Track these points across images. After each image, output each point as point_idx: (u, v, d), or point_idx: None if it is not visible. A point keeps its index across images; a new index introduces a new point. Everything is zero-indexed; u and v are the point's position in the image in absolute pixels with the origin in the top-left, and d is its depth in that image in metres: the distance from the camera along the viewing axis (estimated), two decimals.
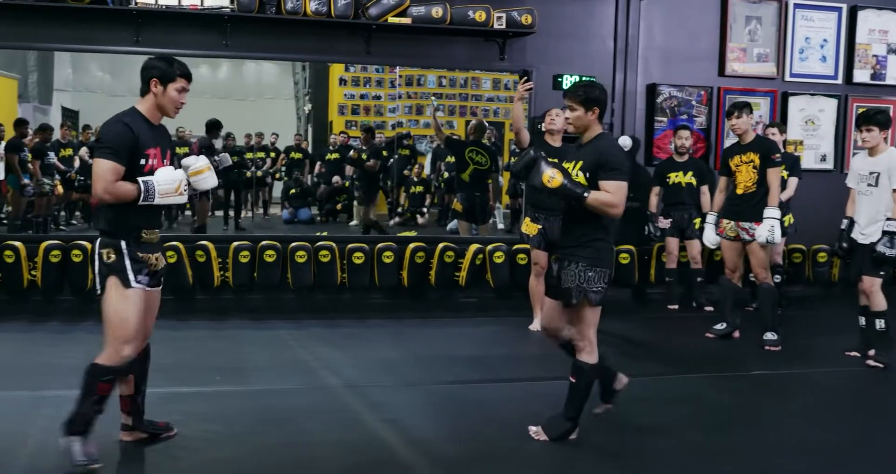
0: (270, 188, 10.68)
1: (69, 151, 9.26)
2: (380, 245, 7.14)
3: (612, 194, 3.70)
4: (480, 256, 7.27)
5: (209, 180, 3.67)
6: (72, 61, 10.53)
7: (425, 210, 10.25)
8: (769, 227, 5.79)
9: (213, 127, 8.76)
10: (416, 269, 7.17)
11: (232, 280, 6.89)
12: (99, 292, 3.50)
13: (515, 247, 7.34)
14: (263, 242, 6.91)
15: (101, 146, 3.40)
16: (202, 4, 6.77)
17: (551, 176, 3.69)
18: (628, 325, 6.75)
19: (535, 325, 6.37)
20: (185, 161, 3.67)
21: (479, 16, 7.21)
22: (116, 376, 3.48)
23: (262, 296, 7.09)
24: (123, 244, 3.44)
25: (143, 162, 3.44)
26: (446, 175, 10.02)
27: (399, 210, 10.25)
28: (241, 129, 10.22)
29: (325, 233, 7.58)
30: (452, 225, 9.30)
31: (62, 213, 9.42)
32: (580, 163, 3.81)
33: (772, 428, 4.29)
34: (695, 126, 8.05)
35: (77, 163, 9.40)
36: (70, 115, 10.45)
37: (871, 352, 5.58)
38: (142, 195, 3.39)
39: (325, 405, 4.42)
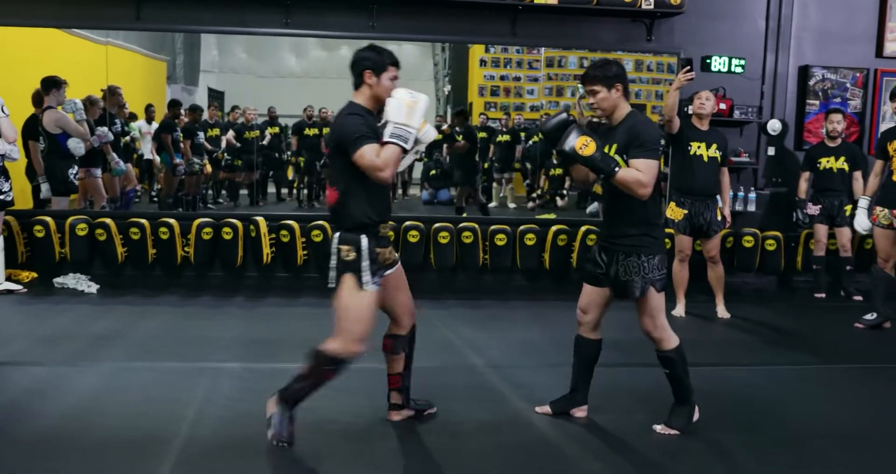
0: (410, 169, 10.96)
1: (216, 131, 9.74)
2: (522, 227, 7.26)
3: (642, 172, 3.53)
4: (563, 236, 7.25)
5: (430, 132, 3.59)
6: (218, 43, 11.01)
7: (565, 192, 10.29)
8: None
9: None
10: (557, 252, 7.24)
11: None
12: (332, 285, 3.51)
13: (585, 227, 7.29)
14: (407, 223, 7.13)
15: (356, 137, 3.35)
16: None
17: (584, 143, 3.50)
18: (773, 313, 6.64)
19: (679, 311, 6.36)
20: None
21: None
22: (340, 368, 3.53)
23: (407, 276, 7.32)
24: (364, 242, 3.46)
25: None
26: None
27: (538, 192, 10.32)
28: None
29: (464, 214, 7.77)
30: (592, 207, 9.32)
31: (209, 192, 9.94)
32: (614, 145, 3.62)
33: None
34: (848, 110, 7.77)
35: (224, 144, 9.88)
36: (216, 96, 11.01)
37: None
38: (402, 143, 3.36)
39: (470, 383, 4.54)
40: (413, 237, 7.05)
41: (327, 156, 3.81)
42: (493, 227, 7.21)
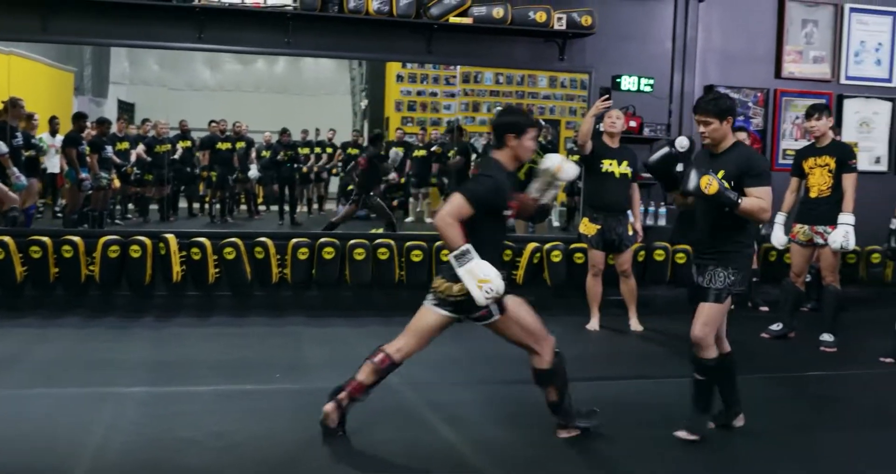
0: (326, 184, 10.87)
1: (125, 145, 9.41)
2: (438, 243, 7.27)
3: (762, 199, 3.85)
4: (538, 255, 7.36)
5: (570, 170, 3.98)
6: (128, 55, 10.66)
7: None
8: (844, 233, 5.84)
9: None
10: None
11: (290, 276, 7.03)
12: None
13: (573, 246, 7.42)
14: (322, 239, 7.06)
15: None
16: (265, 3, 6.87)
17: (708, 182, 3.80)
18: (684, 325, 6.71)
19: (593, 325, 6.46)
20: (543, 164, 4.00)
21: (540, 16, 7.29)
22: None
23: (320, 293, 7.25)
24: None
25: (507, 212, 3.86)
26: None
27: None
28: (298, 125, 10.41)
29: (381, 230, 7.73)
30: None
31: (117, 207, 9.62)
32: (721, 171, 3.90)
33: (824, 429, 4.37)
34: (751, 127, 8.06)
35: (133, 158, 9.56)
36: (126, 109, 10.69)
37: None
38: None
39: (385, 403, 4.44)
40: (328, 254, 6.98)
41: None
42: (409, 243, 7.20)
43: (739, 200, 3.80)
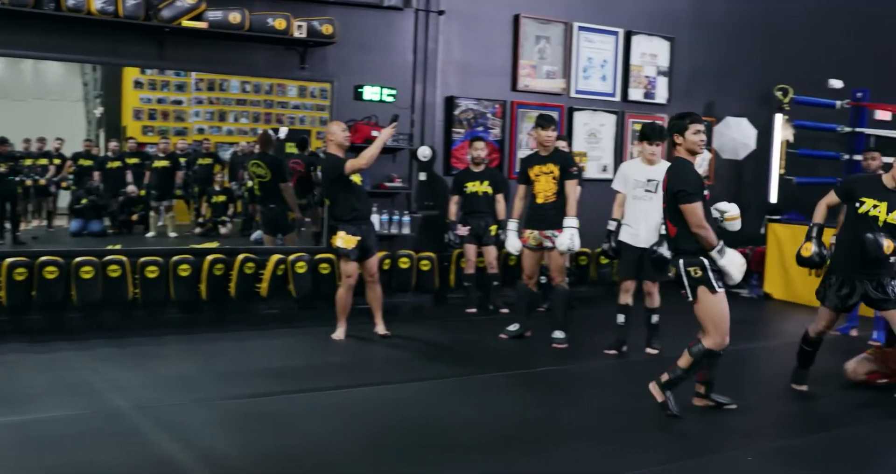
0: (55, 198, 9.98)
1: None
2: (175, 257, 6.90)
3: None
4: (282, 266, 7.20)
5: (735, 224, 4.88)
6: None
7: (227, 219, 9.98)
8: (570, 236, 6.18)
9: None
10: (215, 282, 6.97)
11: (6, 299, 6.34)
12: (691, 299, 4.57)
13: (318, 256, 7.33)
14: (43, 258, 6.44)
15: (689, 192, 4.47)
16: None
17: (889, 244, 4.92)
18: (429, 330, 6.94)
19: (339, 334, 6.41)
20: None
21: (279, 23, 7.16)
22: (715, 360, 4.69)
23: (42, 316, 6.64)
24: (706, 262, 4.49)
25: None
26: (249, 184, 9.81)
27: (200, 220, 9.90)
28: (20, 134, 9.48)
29: (117, 246, 7.21)
30: (257, 235, 9.14)
31: None
32: None
33: (552, 418, 4.60)
34: (490, 137, 8.40)
35: None
36: None
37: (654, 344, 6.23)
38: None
39: (110, 429, 4.21)
40: (50, 273, 6.39)
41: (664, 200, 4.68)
42: (143, 259, 6.77)
43: None
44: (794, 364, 5.49)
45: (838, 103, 9.42)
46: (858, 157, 7.65)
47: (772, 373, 6.19)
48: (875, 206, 5.05)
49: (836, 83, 9.56)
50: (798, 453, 4.29)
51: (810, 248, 5.21)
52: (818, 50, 10.07)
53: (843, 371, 5.59)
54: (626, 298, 6.21)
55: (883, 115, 9.88)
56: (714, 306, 4.53)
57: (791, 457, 4.23)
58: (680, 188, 4.48)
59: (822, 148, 9.92)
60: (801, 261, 5.31)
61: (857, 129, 9.40)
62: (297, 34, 7.23)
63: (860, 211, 5.08)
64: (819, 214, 5.31)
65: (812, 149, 9.78)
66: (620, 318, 6.24)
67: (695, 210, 4.44)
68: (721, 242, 4.54)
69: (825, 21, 10.26)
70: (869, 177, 5.45)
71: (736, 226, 4.84)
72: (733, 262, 4.55)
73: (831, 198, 5.34)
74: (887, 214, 5.03)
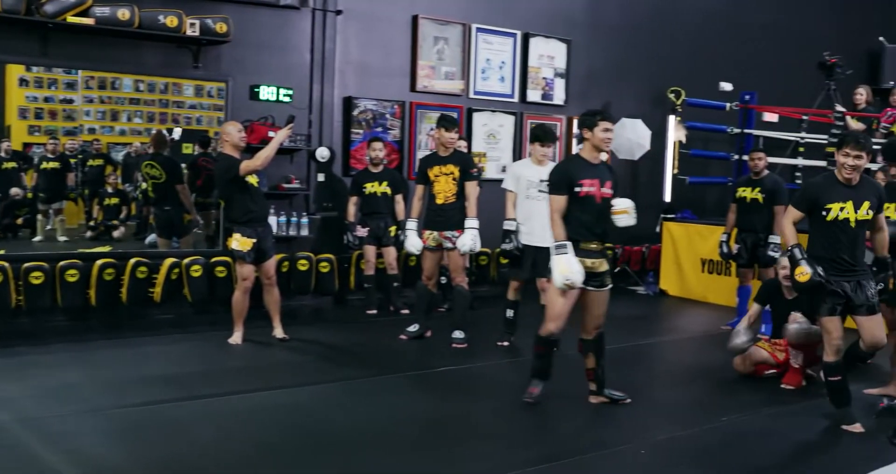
0: None
1: None
2: (62, 263, 6.65)
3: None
4: (176, 270, 7.02)
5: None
6: None
7: (117, 223, 9.67)
8: (471, 237, 6.24)
9: None
10: (105, 287, 6.75)
11: None
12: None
13: (214, 259, 7.18)
14: None
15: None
16: None
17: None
18: (329, 332, 6.90)
19: (236, 339, 6.30)
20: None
21: (171, 21, 6.99)
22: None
23: None
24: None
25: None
26: (144, 186, 9.53)
27: (91, 223, 9.55)
28: None
29: (1, 252, 6.89)
30: (151, 238, 8.89)
31: None
32: (866, 203, 4.64)
33: (450, 417, 4.64)
34: (389, 138, 8.40)
35: None
36: None
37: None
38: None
39: None
40: None
41: None
42: (27, 265, 6.49)
43: None
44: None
45: (728, 105, 9.72)
46: (746, 157, 7.97)
47: (665, 368, 6.43)
48: (842, 208, 4.62)
49: (726, 86, 9.93)
50: (690, 444, 4.44)
51: (806, 272, 4.57)
52: (710, 53, 10.46)
53: (733, 363, 5.81)
54: (514, 294, 6.40)
55: (770, 116, 10.31)
56: (552, 295, 4.81)
57: (683, 448, 4.38)
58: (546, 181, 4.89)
59: (713, 148, 10.30)
60: (803, 286, 4.67)
61: (746, 131, 9.78)
62: (189, 32, 7.07)
63: (829, 218, 4.62)
64: (791, 234, 4.74)
65: (704, 150, 10.13)
66: (509, 313, 6.41)
67: (550, 202, 4.82)
68: (567, 243, 4.68)
69: (716, 25, 10.66)
70: (821, 181, 4.80)
71: (623, 220, 4.84)
72: (558, 265, 4.63)
73: (794, 214, 4.79)
74: (856, 212, 4.62)
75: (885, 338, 4.80)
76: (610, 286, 4.90)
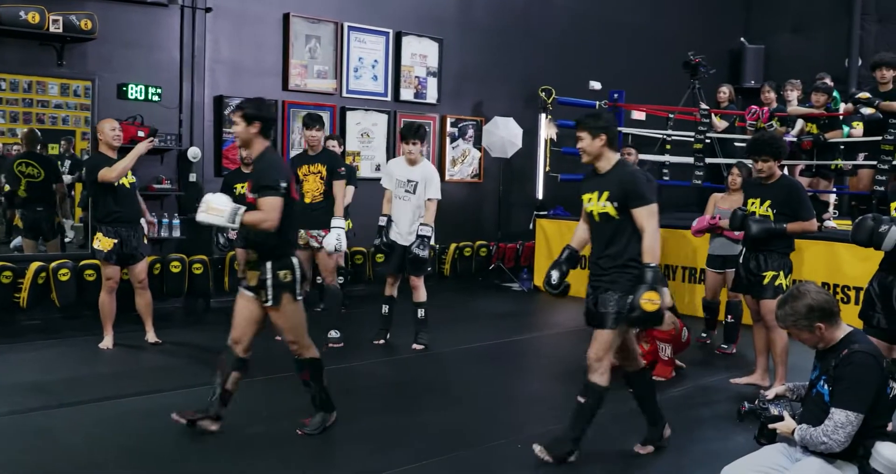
0: None
1: None
2: None
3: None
4: (43, 275, 6.85)
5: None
6: None
7: None
8: (337, 236, 6.31)
9: None
10: None
11: None
12: (271, 304, 4.27)
13: (83, 263, 7.04)
14: None
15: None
16: None
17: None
18: (202, 335, 6.85)
19: (107, 343, 6.22)
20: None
21: (33, 17, 6.80)
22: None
23: None
24: (296, 263, 4.33)
25: None
26: (7, 188, 9.15)
27: None
28: None
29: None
30: (17, 242, 8.60)
31: None
32: (606, 192, 4.23)
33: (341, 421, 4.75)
34: None
35: None
36: None
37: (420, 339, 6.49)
38: None
39: None
40: None
41: None
42: None
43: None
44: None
45: (597, 104, 10.01)
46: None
47: (541, 363, 6.68)
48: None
49: (596, 85, 10.35)
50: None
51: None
52: (579, 53, 10.86)
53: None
54: (390, 290, 6.53)
55: (638, 114, 10.80)
56: (297, 315, 4.35)
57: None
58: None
59: None
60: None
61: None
62: (52, 29, 6.90)
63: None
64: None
65: (574, 148, 10.46)
66: (385, 309, 6.56)
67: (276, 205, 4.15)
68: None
69: (585, 26, 11.06)
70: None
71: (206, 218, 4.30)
72: None
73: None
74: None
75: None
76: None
